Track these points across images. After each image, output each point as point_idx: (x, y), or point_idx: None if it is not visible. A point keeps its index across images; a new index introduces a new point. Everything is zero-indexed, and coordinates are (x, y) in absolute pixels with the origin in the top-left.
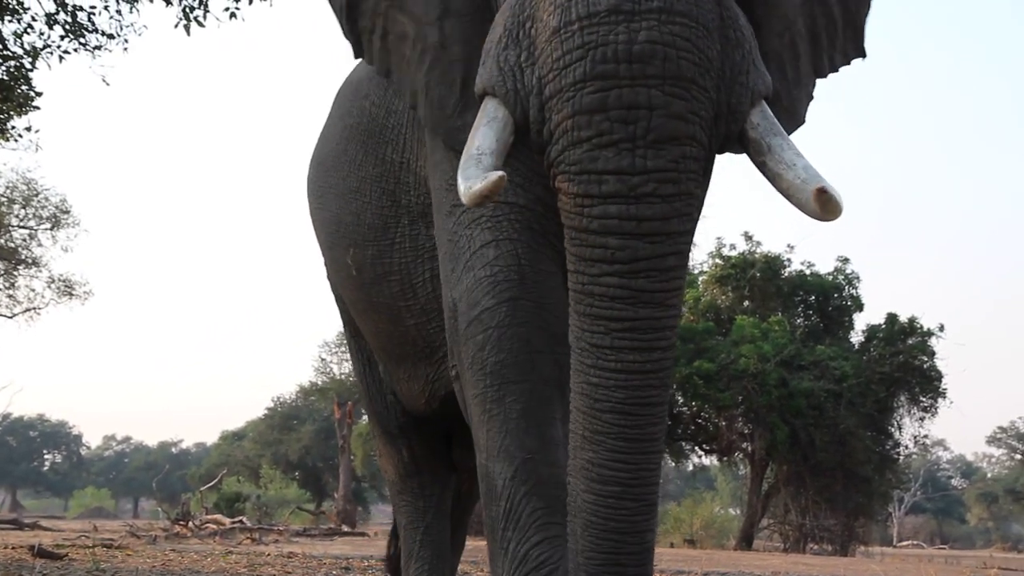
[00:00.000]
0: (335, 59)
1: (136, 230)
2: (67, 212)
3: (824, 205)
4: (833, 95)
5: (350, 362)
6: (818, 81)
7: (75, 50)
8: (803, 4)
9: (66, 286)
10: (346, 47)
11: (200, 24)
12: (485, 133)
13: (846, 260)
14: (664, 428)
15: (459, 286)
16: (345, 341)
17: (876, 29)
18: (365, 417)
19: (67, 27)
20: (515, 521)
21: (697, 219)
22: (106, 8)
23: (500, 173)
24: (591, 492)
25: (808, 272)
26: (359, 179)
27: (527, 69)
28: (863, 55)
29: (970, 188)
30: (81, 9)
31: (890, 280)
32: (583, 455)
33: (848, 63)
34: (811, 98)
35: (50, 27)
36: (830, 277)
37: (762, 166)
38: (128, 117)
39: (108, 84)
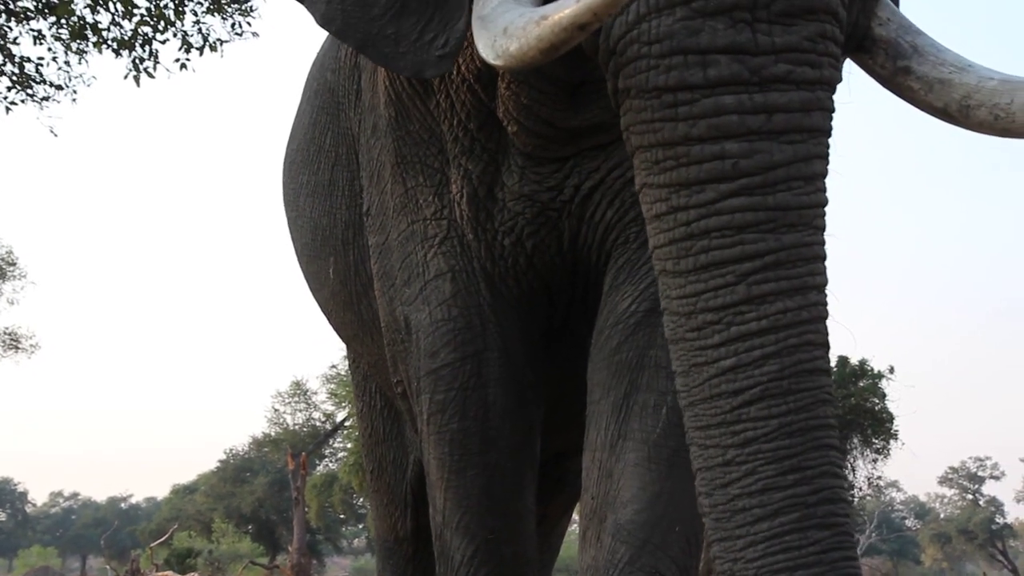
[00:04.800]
0: (287, 108)
1: (84, 281)
2: (13, 264)
3: None
4: None
5: (310, 411)
6: None
7: (22, 101)
8: None
9: (12, 339)
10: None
11: (150, 75)
12: None
13: None
14: (835, 410)
15: (411, 308)
16: (302, 391)
17: None
18: (319, 468)
19: (14, 78)
20: None
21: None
22: (54, 59)
23: None
24: (755, 541)
25: None
26: (331, 168)
27: None
28: None
29: (916, 230)
30: (29, 60)
31: (839, 322)
32: (719, 497)
33: None
34: None
35: None
36: None
37: (903, 75)
38: (77, 168)
39: (56, 135)
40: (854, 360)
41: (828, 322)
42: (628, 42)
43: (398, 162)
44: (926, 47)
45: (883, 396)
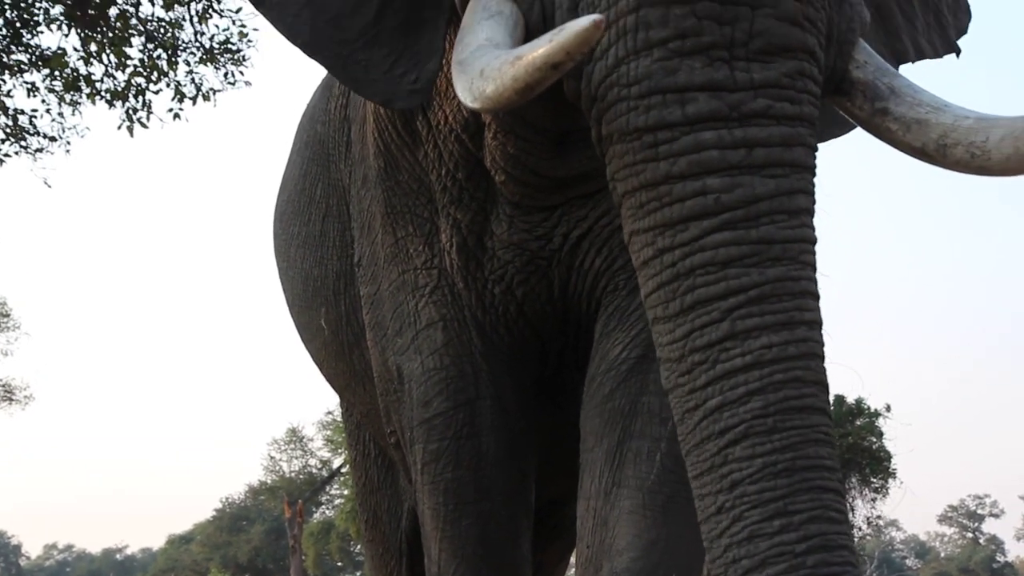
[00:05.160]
0: (278, 156)
1: (78, 332)
2: (7, 315)
3: None
4: None
5: (306, 458)
6: None
7: (16, 153)
8: None
9: (6, 391)
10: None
11: (143, 125)
12: (491, 26)
13: None
14: (836, 456)
15: (404, 358)
16: (298, 438)
17: None
18: (316, 516)
19: (8, 130)
20: None
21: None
22: (48, 111)
23: (594, 17)
24: None
25: None
26: (321, 219)
27: None
28: (954, 50)
29: (914, 268)
30: (22, 112)
31: (836, 359)
32: (716, 551)
33: (937, 55)
34: None
35: None
36: None
37: (881, 116)
38: (71, 218)
39: (50, 186)
40: (850, 399)
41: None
42: (608, 86)
43: (388, 212)
44: (903, 88)
45: (880, 435)
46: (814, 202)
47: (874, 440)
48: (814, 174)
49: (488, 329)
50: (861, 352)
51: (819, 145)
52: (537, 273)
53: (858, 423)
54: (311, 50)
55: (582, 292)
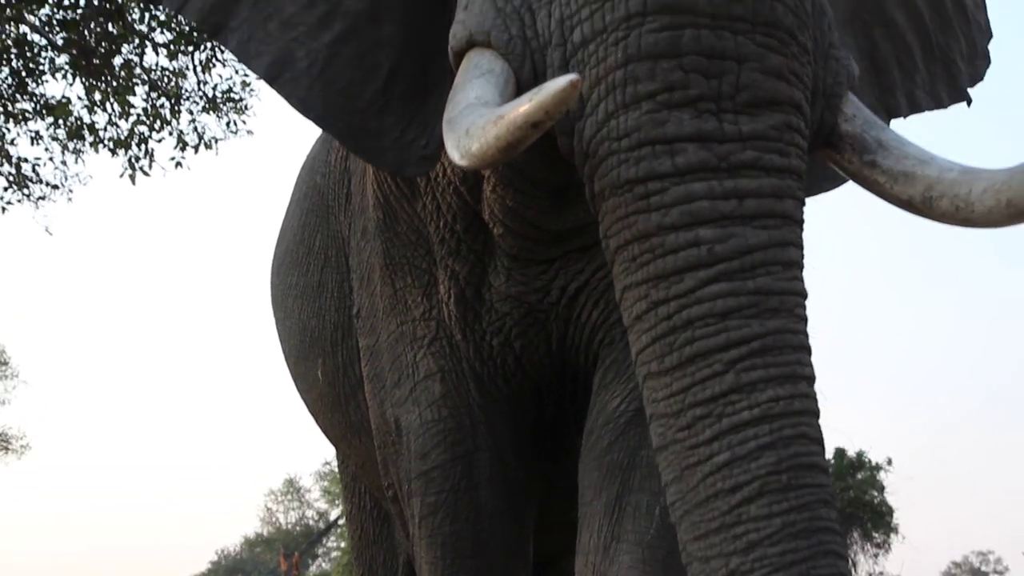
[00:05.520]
0: (278, 205)
1: (76, 381)
2: (5, 363)
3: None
4: None
5: (303, 509)
6: None
7: (18, 201)
8: (848, 23)
9: (2, 440)
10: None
11: (145, 173)
12: (482, 84)
13: None
14: (837, 515)
15: (402, 410)
16: (295, 489)
17: None
18: (312, 568)
19: (11, 178)
20: None
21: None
22: (51, 159)
23: (571, 76)
24: None
25: None
26: (320, 270)
27: (540, 9)
28: (964, 99)
29: (909, 319)
30: (25, 160)
31: (835, 413)
32: None
33: (942, 105)
34: None
35: None
36: None
37: (869, 169)
38: (70, 265)
39: (51, 234)
40: (851, 452)
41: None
42: (599, 141)
43: (387, 263)
44: (890, 141)
45: (882, 489)
46: (803, 255)
47: (876, 494)
48: (802, 227)
49: (486, 381)
50: (860, 404)
51: (817, 196)
52: (535, 325)
53: (859, 476)
54: (324, 123)
55: (580, 345)
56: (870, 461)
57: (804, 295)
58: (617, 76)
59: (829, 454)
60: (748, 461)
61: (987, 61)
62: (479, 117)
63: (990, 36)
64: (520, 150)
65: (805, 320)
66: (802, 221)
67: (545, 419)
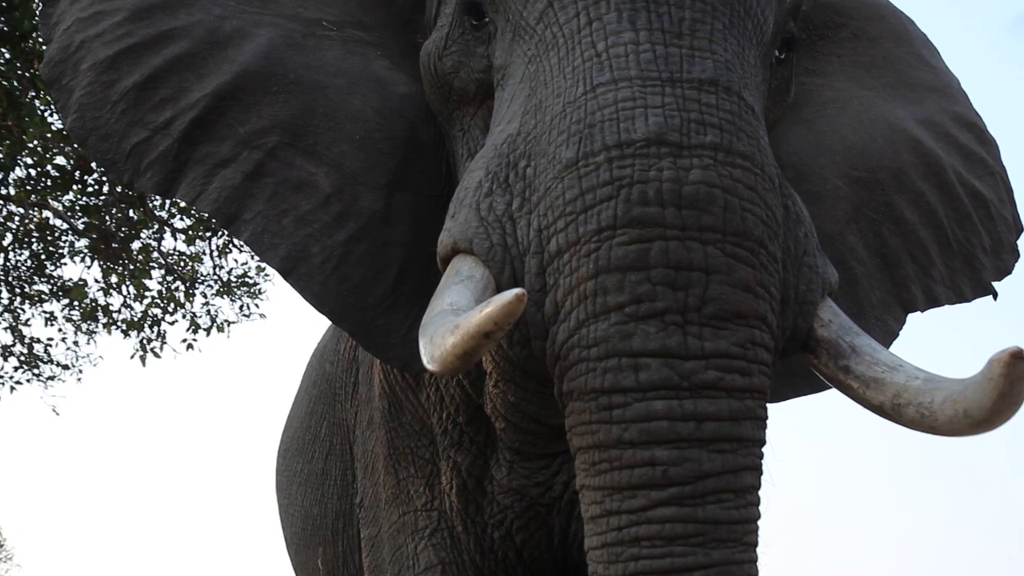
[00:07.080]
0: (288, 390)
1: (77, 567)
2: (0, 545)
3: (1001, 397)
4: None
5: None
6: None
7: (28, 380)
8: (852, 221)
9: None
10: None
11: (156, 355)
12: (459, 291)
13: None
14: None
15: None
16: None
17: None
18: None
19: (22, 358)
20: None
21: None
22: (63, 340)
23: (516, 291)
24: None
25: None
26: (324, 457)
27: (520, 219)
28: (988, 292)
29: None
30: (38, 341)
31: None
32: None
33: (965, 299)
34: (891, 335)
35: (4, 359)
36: None
37: (844, 374)
38: (75, 447)
39: (58, 414)
40: None
41: None
42: (570, 347)
43: (390, 453)
44: (863, 347)
45: None
46: (760, 476)
47: None
48: (763, 446)
49: (487, 574)
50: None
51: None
52: (536, 520)
53: None
54: (337, 318)
55: (582, 540)
56: None
57: (756, 519)
58: (588, 287)
59: None
60: None
61: (1016, 255)
62: (441, 325)
63: (1020, 231)
64: (477, 359)
65: (754, 546)
66: (763, 440)
67: None
